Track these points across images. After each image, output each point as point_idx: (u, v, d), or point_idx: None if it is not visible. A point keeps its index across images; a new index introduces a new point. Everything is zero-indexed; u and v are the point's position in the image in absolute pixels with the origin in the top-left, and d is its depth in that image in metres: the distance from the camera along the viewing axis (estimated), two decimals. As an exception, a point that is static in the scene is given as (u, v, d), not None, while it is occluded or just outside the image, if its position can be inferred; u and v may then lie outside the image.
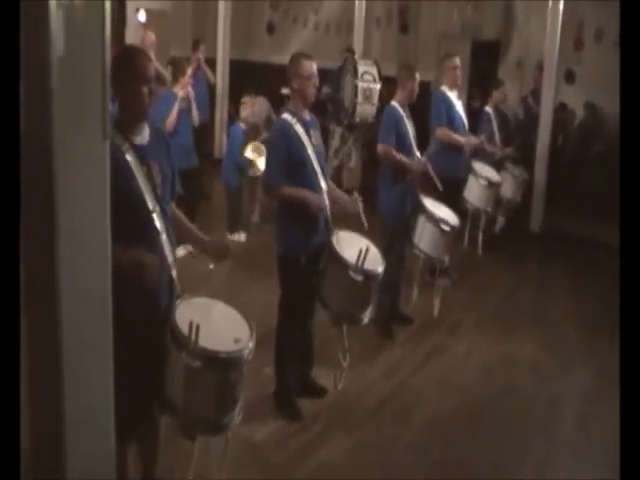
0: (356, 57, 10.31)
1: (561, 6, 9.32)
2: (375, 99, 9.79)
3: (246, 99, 8.55)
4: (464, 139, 7.21)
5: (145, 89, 3.14)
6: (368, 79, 9.82)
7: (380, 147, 5.96)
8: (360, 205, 4.62)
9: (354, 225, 4.64)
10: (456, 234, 6.21)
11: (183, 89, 7.56)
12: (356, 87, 9.75)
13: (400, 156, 5.90)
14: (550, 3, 9.40)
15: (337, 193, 4.81)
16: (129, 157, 3.13)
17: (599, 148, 11.58)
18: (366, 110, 9.80)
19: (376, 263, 4.42)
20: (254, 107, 8.84)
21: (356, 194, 4.71)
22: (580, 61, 11.86)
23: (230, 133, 8.87)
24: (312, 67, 4.49)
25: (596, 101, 11.59)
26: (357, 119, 9.98)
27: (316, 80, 4.51)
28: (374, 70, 9.92)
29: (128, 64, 3.13)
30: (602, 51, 11.46)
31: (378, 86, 9.83)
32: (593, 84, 11.36)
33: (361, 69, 9.82)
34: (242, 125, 8.47)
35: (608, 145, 11.36)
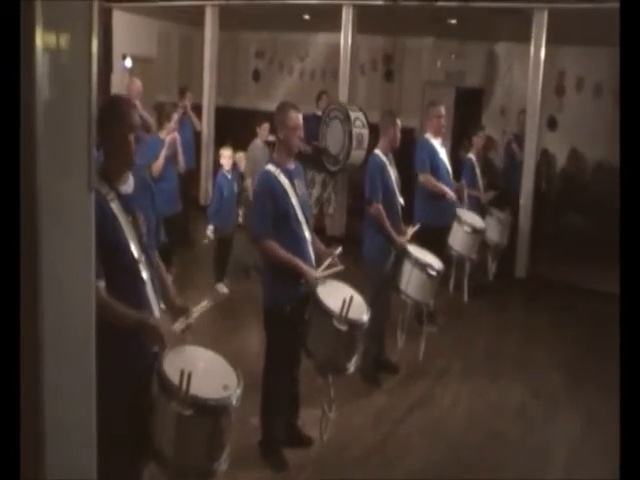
0: (344, 103, 10.44)
1: (542, 55, 9.48)
2: (365, 144, 9.91)
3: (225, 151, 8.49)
4: (447, 189, 7.22)
5: (131, 137, 3.16)
6: (359, 125, 9.97)
7: (374, 208, 5.96)
8: (332, 259, 4.61)
9: (340, 275, 4.63)
10: (442, 278, 6.22)
11: (169, 134, 7.57)
12: (351, 133, 9.87)
13: (388, 225, 5.94)
14: (532, 52, 9.55)
15: (318, 244, 4.80)
16: (114, 206, 3.13)
17: (581, 193, 11.70)
18: (358, 155, 9.91)
19: (361, 312, 4.40)
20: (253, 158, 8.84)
21: (332, 249, 4.71)
22: (562, 108, 12.05)
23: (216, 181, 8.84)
24: (298, 118, 4.52)
25: (578, 147, 11.76)
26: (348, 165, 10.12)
27: (301, 131, 4.55)
28: (362, 116, 10.08)
29: (113, 113, 3.15)
30: (583, 99, 11.69)
31: (367, 131, 9.96)
32: (575, 131, 11.54)
33: (352, 115, 9.95)
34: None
35: (590, 190, 11.51)
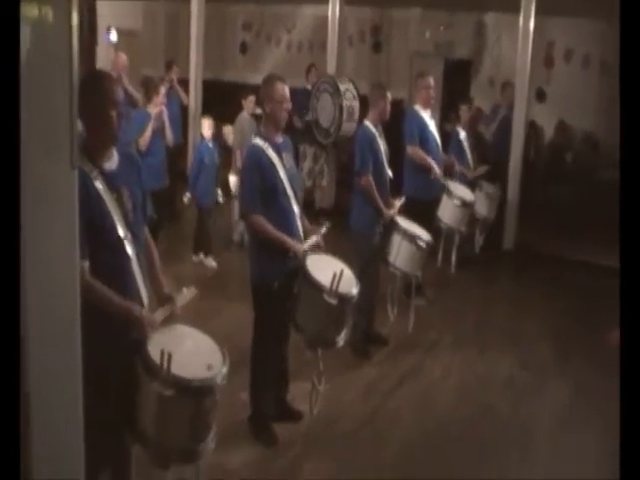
0: (333, 76, 10.38)
1: (531, 26, 9.41)
2: (356, 116, 9.88)
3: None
4: (434, 164, 7.12)
5: (113, 113, 3.08)
6: (349, 97, 9.93)
7: (364, 180, 5.92)
8: (316, 238, 4.61)
9: (329, 247, 4.62)
10: (430, 250, 6.22)
11: (156, 108, 7.48)
12: (341, 106, 9.84)
13: (378, 197, 5.91)
14: (521, 22, 9.48)
15: (304, 221, 4.75)
16: (98, 184, 3.07)
17: (569, 165, 11.69)
18: (349, 127, 9.87)
19: (350, 286, 4.40)
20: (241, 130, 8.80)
21: (316, 227, 4.72)
22: (550, 80, 12.01)
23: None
24: (285, 90, 4.47)
25: (565, 119, 11.73)
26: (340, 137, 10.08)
27: (288, 104, 4.49)
28: (352, 87, 10.04)
29: (95, 89, 3.07)
30: (571, 70, 11.65)
31: (357, 103, 9.91)
32: (563, 102, 11.50)
33: (342, 87, 9.90)
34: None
35: (577, 162, 11.50)
